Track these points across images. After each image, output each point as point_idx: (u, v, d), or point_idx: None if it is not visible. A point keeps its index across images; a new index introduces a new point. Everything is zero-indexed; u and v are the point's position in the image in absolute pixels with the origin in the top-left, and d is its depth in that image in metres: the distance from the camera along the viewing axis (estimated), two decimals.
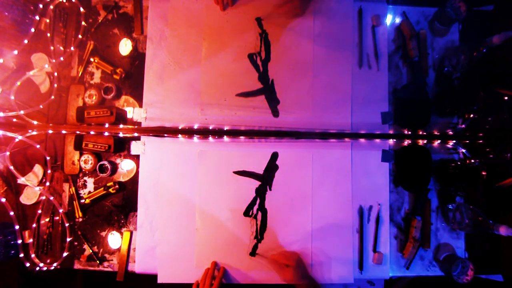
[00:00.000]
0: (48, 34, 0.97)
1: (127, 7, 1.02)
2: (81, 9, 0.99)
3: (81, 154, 0.96)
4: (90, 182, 0.97)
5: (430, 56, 1.02)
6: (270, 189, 0.96)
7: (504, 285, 0.98)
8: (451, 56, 0.95)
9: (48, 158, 0.93)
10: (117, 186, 0.94)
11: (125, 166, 0.97)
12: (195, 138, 0.96)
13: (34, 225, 0.93)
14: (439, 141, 0.97)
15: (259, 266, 0.93)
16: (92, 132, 0.92)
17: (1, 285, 1.04)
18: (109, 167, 0.94)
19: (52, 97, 0.95)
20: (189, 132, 0.94)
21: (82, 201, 0.95)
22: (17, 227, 0.89)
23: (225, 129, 0.95)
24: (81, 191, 0.97)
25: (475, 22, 1.04)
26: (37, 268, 0.91)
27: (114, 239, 0.95)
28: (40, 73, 0.97)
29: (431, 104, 0.98)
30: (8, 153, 0.87)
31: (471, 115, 0.95)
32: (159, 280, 0.92)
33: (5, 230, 0.91)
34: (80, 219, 0.96)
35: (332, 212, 0.95)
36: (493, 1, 1.04)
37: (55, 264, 0.92)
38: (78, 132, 0.92)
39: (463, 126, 0.97)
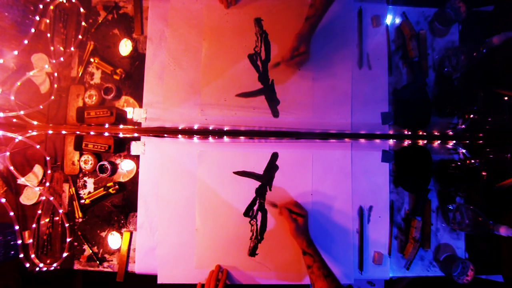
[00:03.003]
0: (48, 35, 0.97)
1: (127, 7, 1.02)
2: (81, 10, 0.99)
3: (81, 155, 0.96)
4: (90, 182, 0.97)
5: (430, 57, 1.02)
6: (270, 190, 0.96)
7: (504, 285, 0.98)
8: (451, 57, 0.95)
9: (48, 158, 0.93)
10: (117, 187, 0.94)
11: (125, 166, 0.97)
12: (195, 139, 0.96)
13: (34, 226, 0.93)
14: (439, 141, 0.97)
15: (259, 266, 0.93)
16: (92, 133, 0.92)
17: (1, 285, 1.04)
18: (109, 167, 0.94)
19: (52, 97, 0.95)
20: (189, 133, 0.94)
21: (82, 201, 0.95)
22: (17, 227, 0.89)
23: (225, 129, 0.95)
24: (81, 192, 0.97)
25: (475, 23, 1.04)
26: (37, 269, 0.91)
27: (114, 240, 0.95)
28: (40, 73, 0.97)
29: (431, 104, 0.98)
30: (8, 153, 0.87)
31: (471, 116, 0.95)
32: (159, 281, 0.92)
33: (5, 231, 0.91)
34: (80, 220, 0.96)
35: (332, 212, 0.95)
36: (493, 1, 1.04)
37: (55, 265, 0.92)
38: (78, 132, 0.92)
39: (463, 126, 0.97)
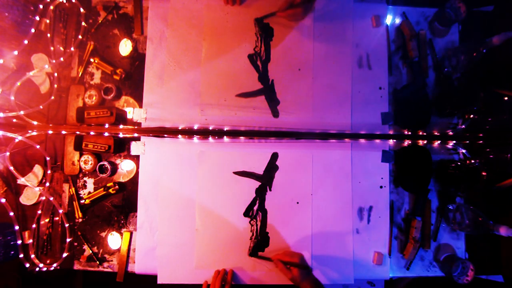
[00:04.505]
0: (48, 35, 0.97)
1: (127, 7, 1.02)
2: (81, 10, 0.99)
3: (81, 155, 0.96)
4: (90, 182, 0.97)
5: (430, 57, 1.02)
6: (270, 190, 0.96)
7: (504, 285, 0.98)
8: (451, 57, 0.95)
9: (48, 158, 0.93)
10: (117, 187, 0.94)
11: (125, 166, 0.97)
12: (195, 139, 0.96)
13: (34, 226, 0.93)
14: (439, 141, 0.97)
15: (259, 266, 0.93)
16: (92, 133, 0.92)
17: (1, 285, 1.05)
18: (109, 167, 0.94)
19: (52, 97, 0.95)
20: (189, 133, 0.94)
21: (82, 201, 0.94)
22: (17, 227, 0.89)
23: (225, 129, 0.95)
24: (81, 192, 0.97)
25: (475, 23, 1.04)
26: (37, 269, 0.91)
27: (114, 240, 0.95)
28: (40, 73, 0.97)
29: (431, 104, 0.98)
30: (8, 153, 0.87)
31: (471, 116, 0.95)
32: (159, 281, 0.92)
33: (5, 231, 0.91)
34: (80, 220, 0.96)
35: (332, 212, 0.95)
36: (493, 1, 1.04)
37: (55, 265, 0.91)
38: (78, 132, 0.92)
39: (463, 126, 0.97)
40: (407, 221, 0.97)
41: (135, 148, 0.96)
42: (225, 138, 0.96)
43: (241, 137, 0.95)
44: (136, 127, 0.96)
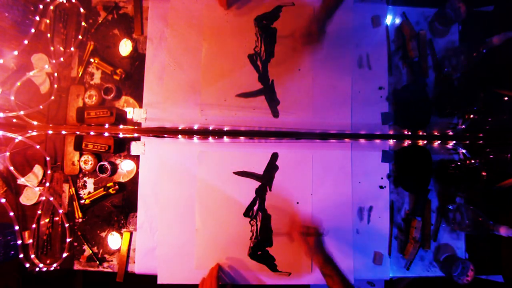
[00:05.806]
0: (48, 35, 0.97)
1: (127, 7, 1.02)
2: (81, 10, 0.99)
3: (81, 155, 0.96)
4: (90, 182, 0.97)
5: (430, 57, 1.02)
6: (270, 190, 0.96)
7: (504, 285, 0.98)
8: (451, 57, 0.95)
9: (48, 158, 0.93)
10: (117, 187, 0.94)
11: (125, 166, 0.97)
12: (195, 139, 0.96)
13: (34, 226, 0.93)
14: (439, 141, 0.97)
15: (259, 266, 0.93)
16: (92, 133, 0.92)
17: (1, 285, 1.05)
18: (109, 167, 0.94)
19: (52, 97, 0.95)
20: (189, 133, 0.94)
21: (82, 201, 0.94)
22: (17, 227, 0.89)
23: (225, 129, 0.95)
24: (81, 192, 0.97)
25: (475, 23, 1.04)
26: (37, 269, 0.91)
27: (114, 240, 0.95)
28: (40, 73, 0.97)
29: (431, 104, 0.98)
30: (8, 153, 0.87)
31: (471, 116, 0.95)
32: (159, 281, 0.92)
33: (5, 231, 0.91)
34: (80, 220, 0.96)
35: (332, 212, 0.95)
36: (493, 1, 1.04)
37: (54, 265, 0.91)
38: (78, 132, 0.92)
39: (463, 126, 0.97)
40: (407, 221, 0.97)
41: (135, 148, 0.96)
42: (225, 138, 0.95)
43: (241, 137, 0.95)
44: (136, 127, 0.96)
